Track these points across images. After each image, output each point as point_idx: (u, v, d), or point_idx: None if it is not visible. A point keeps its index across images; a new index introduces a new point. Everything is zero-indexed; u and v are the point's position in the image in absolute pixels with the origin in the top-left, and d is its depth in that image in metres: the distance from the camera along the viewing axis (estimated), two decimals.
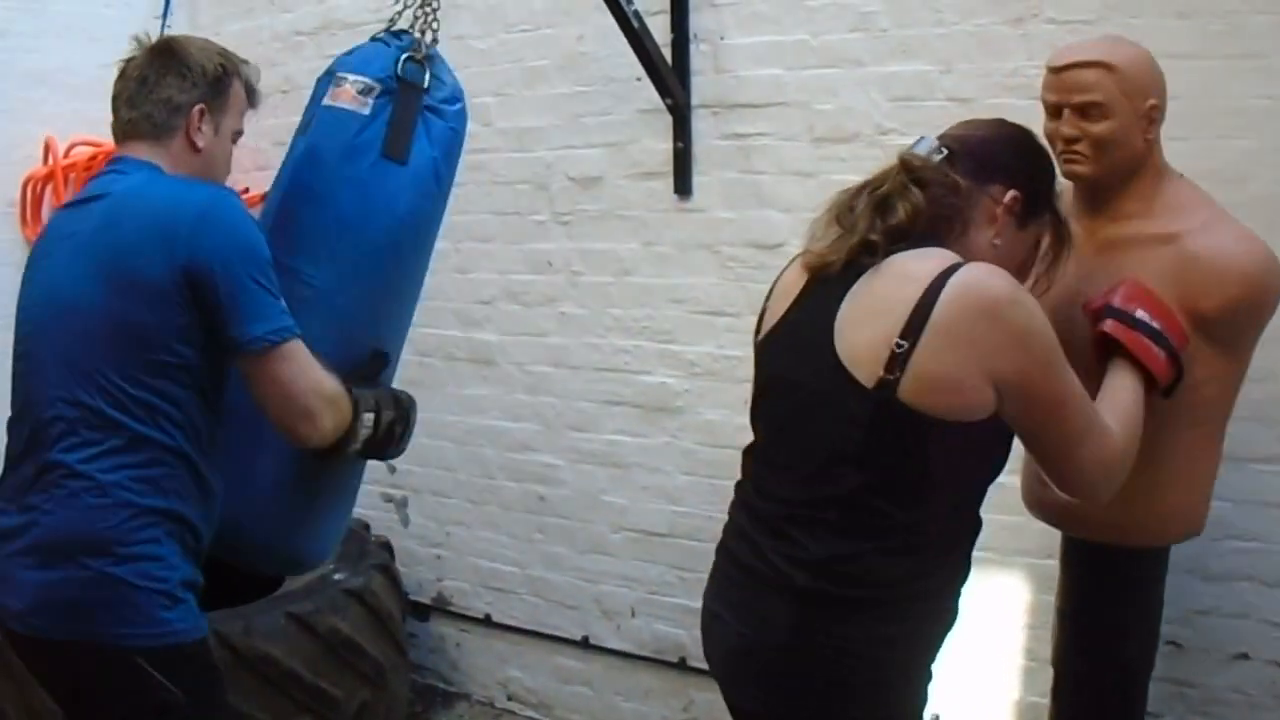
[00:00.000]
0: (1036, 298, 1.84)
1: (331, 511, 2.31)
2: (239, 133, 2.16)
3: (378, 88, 2.12)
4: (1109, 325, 1.94)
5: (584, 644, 3.55)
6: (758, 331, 1.94)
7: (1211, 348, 2.02)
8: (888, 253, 1.73)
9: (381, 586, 3.26)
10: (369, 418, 2.11)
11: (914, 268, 1.69)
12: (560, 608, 3.60)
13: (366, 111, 2.11)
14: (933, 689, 1.85)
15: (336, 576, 3.19)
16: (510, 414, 3.59)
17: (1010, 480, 2.30)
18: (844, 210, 1.80)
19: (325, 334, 2.02)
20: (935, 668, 1.84)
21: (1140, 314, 1.94)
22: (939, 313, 1.63)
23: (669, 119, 3.11)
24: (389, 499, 3.95)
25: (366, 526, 3.69)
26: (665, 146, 3.15)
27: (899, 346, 1.63)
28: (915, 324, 1.63)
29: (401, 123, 2.12)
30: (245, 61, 2.17)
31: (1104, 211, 2.11)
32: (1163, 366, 1.94)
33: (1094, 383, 1.88)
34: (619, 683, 3.49)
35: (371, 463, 4.16)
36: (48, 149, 3.87)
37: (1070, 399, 1.71)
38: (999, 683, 2.85)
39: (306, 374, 1.93)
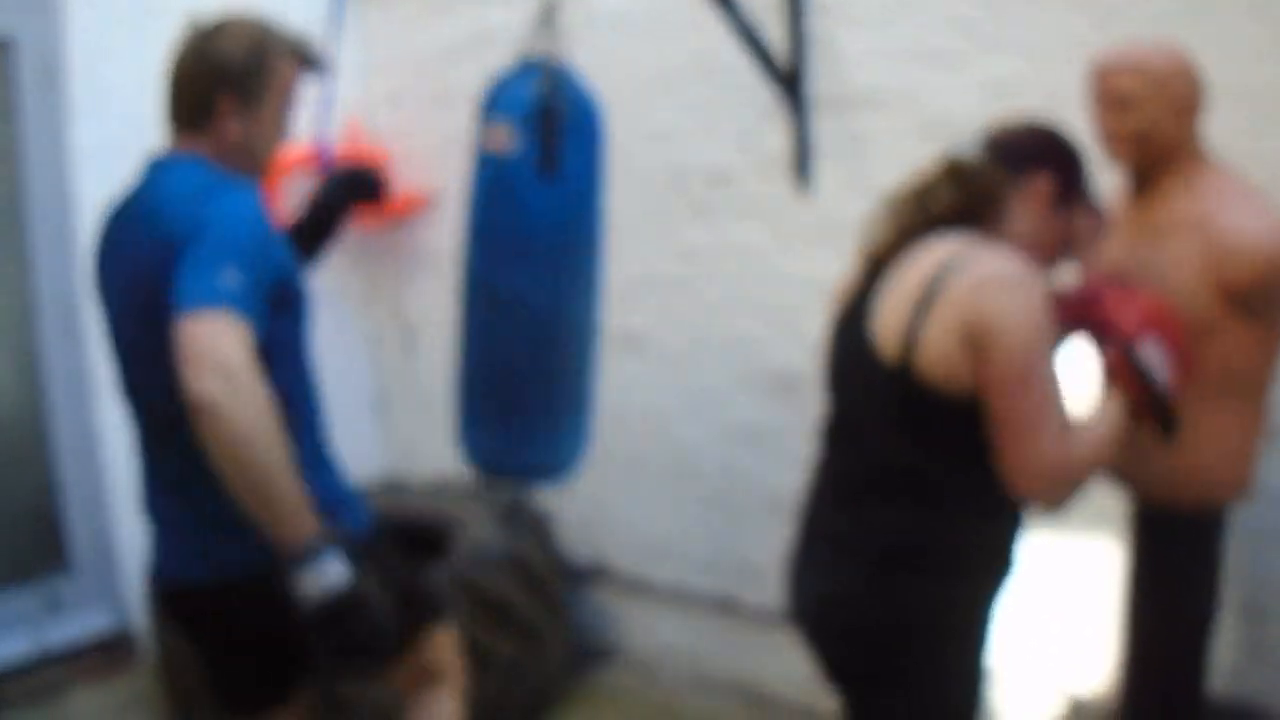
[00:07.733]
0: (1086, 273, 2.01)
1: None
2: (289, 104, 2.14)
3: (515, 124, 2.34)
4: (1114, 356, 2.00)
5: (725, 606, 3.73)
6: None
7: (1239, 319, 2.12)
8: (925, 238, 1.92)
9: (536, 553, 3.54)
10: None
11: (937, 249, 1.87)
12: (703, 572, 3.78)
13: (514, 148, 2.34)
14: (992, 633, 2.01)
15: (494, 543, 3.48)
16: (654, 390, 3.79)
17: None
18: (894, 204, 2.00)
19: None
20: (995, 614, 1.99)
21: (1144, 351, 1.98)
22: (946, 287, 1.79)
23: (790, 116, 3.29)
24: None
25: (529, 499, 3.95)
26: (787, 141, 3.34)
27: (911, 326, 1.81)
28: (925, 300, 1.81)
29: (545, 148, 2.34)
30: (283, 35, 2.11)
31: (1147, 197, 2.25)
32: (1146, 411, 1.99)
33: None
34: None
35: None
36: None
37: (1036, 382, 1.78)
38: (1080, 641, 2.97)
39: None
